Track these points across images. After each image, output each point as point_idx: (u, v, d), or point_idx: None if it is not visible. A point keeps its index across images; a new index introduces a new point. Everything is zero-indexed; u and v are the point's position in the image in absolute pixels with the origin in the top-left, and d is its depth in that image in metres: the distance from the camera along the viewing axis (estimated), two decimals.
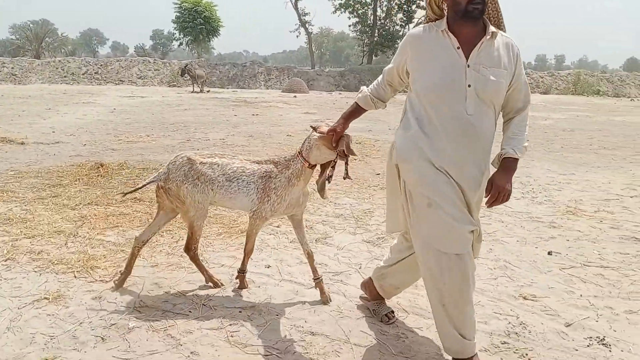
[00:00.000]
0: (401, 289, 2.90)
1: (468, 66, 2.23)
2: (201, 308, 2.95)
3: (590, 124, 14.41)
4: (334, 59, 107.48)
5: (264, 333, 2.72)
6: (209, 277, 3.22)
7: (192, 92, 23.77)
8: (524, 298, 3.18)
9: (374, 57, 39.91)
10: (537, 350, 2.64)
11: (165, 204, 3.10)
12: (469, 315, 2.35)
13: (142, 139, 9.39)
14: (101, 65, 30.52)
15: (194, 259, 3.18)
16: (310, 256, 3.08)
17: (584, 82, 32.93)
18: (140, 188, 3.18)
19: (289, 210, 3.01)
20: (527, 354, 2.60)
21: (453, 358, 2.44)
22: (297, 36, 52.63)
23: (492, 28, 2.28)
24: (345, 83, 31.47)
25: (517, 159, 2.37)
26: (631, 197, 5.93)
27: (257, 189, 2.92)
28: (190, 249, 3.14)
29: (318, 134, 2.78)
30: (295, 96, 22.80)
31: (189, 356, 2.49)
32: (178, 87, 28.70)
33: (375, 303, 2.95)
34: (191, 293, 3.14)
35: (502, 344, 2.70)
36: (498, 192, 2.33)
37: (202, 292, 3.15)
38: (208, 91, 24.43)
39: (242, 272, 3.18)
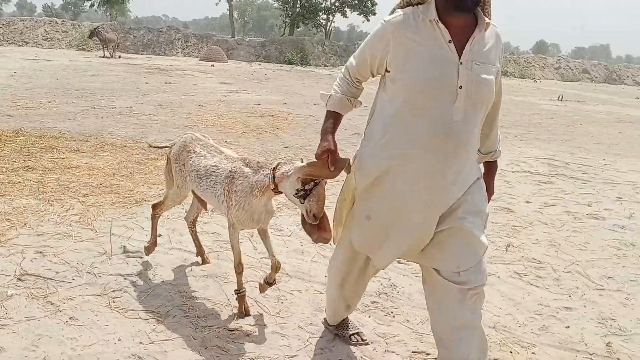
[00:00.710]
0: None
1: (460, 64, 1.86)
2: (85, 275, 2.97)
3: None
4: (258, 28, 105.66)
5: (146, 299, 2.79)
6: (153, 240, 3.20)
7: (102, 57, 22.60)
8: (398, 262, 3.46)
9: (296, 29, 39.67)
10: (402, 309, 2.92)
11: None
12: (360, 291, 2.45)
13: (43, 105, 8.91)
14: (3, 24, 28.21)
15: (153, 218, 3.20)
16: (276, 268, 2.72)
17: None
18: (159, 147, 3.36)
19: (252, 223, 2.57)
20: (392, 312, 2.88)
21: (330, 323, 2.64)
22: (217, 3, 51.02)
23: (485, 19, 1.94)
24: (266, 54, 31.18)
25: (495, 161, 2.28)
26: (513, 172, 6.49)
27: (223, 190, 2.56)
28: (155, 209, 3.19)
29: (305, 163, 2.19)
30: (212, 65, 22.32)
31: (67, 321, 2.52)
32: (88, 51, 27.17)
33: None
34: (76, 261, 3.14)
35: (372, 303, 2.96)
36: (489, 196, 2.22)
37: (88, 260, 3.16)
38: (119, 57, 23.33)
39: (237, 292, 2.72)
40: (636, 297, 3.26)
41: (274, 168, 2.35)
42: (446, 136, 1.88)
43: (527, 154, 7.79)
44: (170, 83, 13.81)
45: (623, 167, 7.31)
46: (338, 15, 44.27)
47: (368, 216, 2.10)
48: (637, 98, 22.30)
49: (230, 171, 2.55)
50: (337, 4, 42.95)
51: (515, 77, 33.51)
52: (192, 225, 3.27)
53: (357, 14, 43.69)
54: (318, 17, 42.19)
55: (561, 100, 17.85)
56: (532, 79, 33.31)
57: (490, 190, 2.23)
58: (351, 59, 2.14)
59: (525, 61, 36.29)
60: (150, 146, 3.47)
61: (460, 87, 1.86)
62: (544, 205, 5.13)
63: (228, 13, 47.79)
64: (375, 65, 2.03)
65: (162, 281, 3.01)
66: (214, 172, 2.65)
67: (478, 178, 2.08)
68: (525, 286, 3.32)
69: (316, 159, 2.08)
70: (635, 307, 3.14)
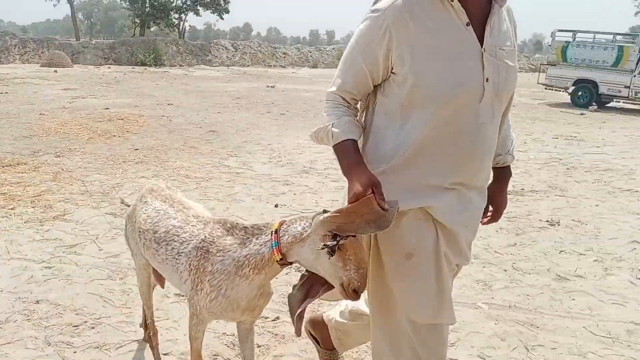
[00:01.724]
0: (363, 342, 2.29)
1: (484, 50, 1.47)
2: None
3: None
4: (107, 29, 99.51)
5: None
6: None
7: None
8: None
9: (148, 29, 38.21)
10: None
11: None
12: None
13: None
14: None
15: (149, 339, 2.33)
16: None
17: None
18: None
19: (234, 314, 1.75)
20: None
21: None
22: (55, 5, 47.28)
23: None
24: (116, 56, 29.67)
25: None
26: None
27: (189, 265, 1.76)
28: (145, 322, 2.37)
29: (331, 213, 1.43)
30: (55, 71, 20.78)
31: None
32: None
33: (326, 353, 2.31)
34: None
35: None
36: (502, 210, 1.83)
37: None
38: None
39: None
40: None
41: (275, 231, 1.58)
42: (472, 142, 1.50)
43: None
44: (6, 93, 12.68)
45: None
46: (191, 14, 43.46)
47: (409, 254, 1.56)
48: None
49: (202, 240, 1.75)
50: (188, 2, 42.08)
51: None
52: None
53: (211, 13, 43.25)
54: (170, 17, 41.01)
55: None
56: None
57: (503, 204, 1.82)
58: (339, 80, 1.57)
59: None
60: (123, 202, 3.04)
61: (487, 79, 1.47)
62: None
63: (71, 15, 44.57)
64: (380, 73, 1.52)
65: (1, 290, 2.97)
66: (177, 235, 1.84)
67: None
68: None
69: (351, 201, 1.42)
70: None
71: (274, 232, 1.59)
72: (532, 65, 39.18)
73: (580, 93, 15.65)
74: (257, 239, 1.65)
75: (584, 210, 4.93)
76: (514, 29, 1.61)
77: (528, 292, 3.21)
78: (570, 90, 15.95)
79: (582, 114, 13.57)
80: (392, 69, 1.49)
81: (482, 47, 1.47)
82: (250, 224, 1.72)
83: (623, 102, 15.59)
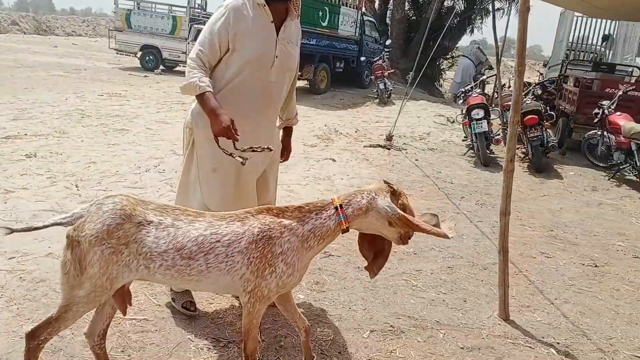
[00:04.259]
0: None
1: (278, 39, 2.56)
2: None
3: None
4: None
5: None
6: None
7: None
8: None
9: None
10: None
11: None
12: None
13: None
14: None
15: (34, 352, 1.94)
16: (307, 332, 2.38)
17: None
18: (36, 229, 1.91)
19: (298, 282, 2.22)
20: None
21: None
22: None
23: (294, 12, 2.68)
24: None
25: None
26: None
27: (250, 259, 1.97)
28: (38, 336, 1.92)
29: (390, 185, 2.17)
30: None
31: None
32: None
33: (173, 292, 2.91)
34: None
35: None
36: (289, 154, 3.03)
37: None
38: None
39: None
40: None
41: (340, 205, 2.07)
42: (265, 91, 2.59)
43: None
44: None
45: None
46: None
47: (214, 169, 2.59)
48: (56, 46, 24.18)
49: (258, 232, 1.97)
50: None
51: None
52: (100, 341, 2.15)
53: None
54: None
55: None
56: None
57: (289, 149, 3.01)
58: (200, 47, 2.46)
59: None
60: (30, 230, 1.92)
61: (277, 56, 2.55)
62: None
63: None
64: (223, 45, 2.48)
65: None
66: (217, 241, 1.94)
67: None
68: None
69: (217, 134, 2.31)
70: None
71: (339, 207, 2.06)
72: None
73: (147, 58, 17.35)
74: (316, 214, 2.07)
75: (68, 146, 6.09)
76: (298, 33, 2.74)
77: None
78: (139, 55, 17.52)
79: (145, 76, 15.27)
80: (229, 42, 2.46)
81: (277, 37, 2.55)
82: (303, 204, 2.11)
83: (182, 66, 18.09)
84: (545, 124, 7.65)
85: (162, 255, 1.88)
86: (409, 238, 2.13)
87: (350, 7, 14.48)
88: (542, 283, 3.73)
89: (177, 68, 17.78)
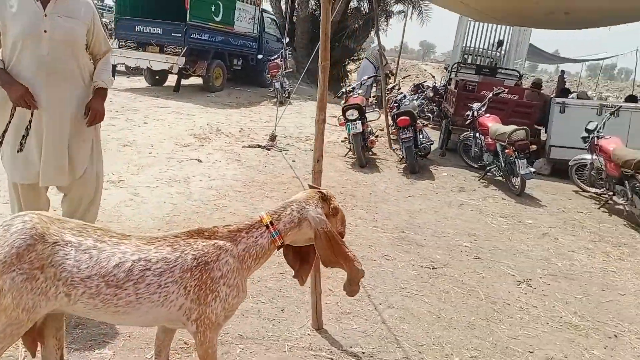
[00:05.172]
0: None
1: (45, 15, 2.69)
2: None
3: None
4: None
5: None
6: None
7: None
8: None
9: None
10: None
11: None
12: None
13: None
14: None
15: None
16: None
17: None
18: None
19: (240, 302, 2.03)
20: None
21: None
22: None
23: None
24: None
25: (106, 88, 2.99)
26: None
27: (185, 287, 1.79)
28: None
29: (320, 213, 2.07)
30: None
31: None
32: None
33: None
34: None
35: None
36: (95, 114, 2.91)
37: None
38: None
39: None
40: None
41: (271, 223, 1.99)
42: (40, 64, 2.71)
43: None
44: None
45: None
46: None
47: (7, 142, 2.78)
48: None
49: (192, 259, 1.80)
50: None
51: None
52: None
53: None
54: None
55: None
56: None
57: (94, 109, 2.90)
58: None
59: None
60: None
61: (45, 31, 2.69)
62: None
63: None
64: None
65: None
66: (147, 269, 1.73)
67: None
68: None
69: (16, 103, 2.66)
70: None
71: (267, 225, 1.97)
72: None
73: None
74: (247, 232, 1.95)
75: None
76: (84, 8, 2.85)
77: None
78: None
79: None
80: (2, 24, 2.68)
81: (45, 12, 2.69)
82: (231, 224, 1.98)
83: None
84: (419, 125, 7.73)
85: (84, 281, 1.67)
86: (343, 234, 2.16)
87: (247, 3, 14.09)
88: (373, 287, 3.62)
89: None
